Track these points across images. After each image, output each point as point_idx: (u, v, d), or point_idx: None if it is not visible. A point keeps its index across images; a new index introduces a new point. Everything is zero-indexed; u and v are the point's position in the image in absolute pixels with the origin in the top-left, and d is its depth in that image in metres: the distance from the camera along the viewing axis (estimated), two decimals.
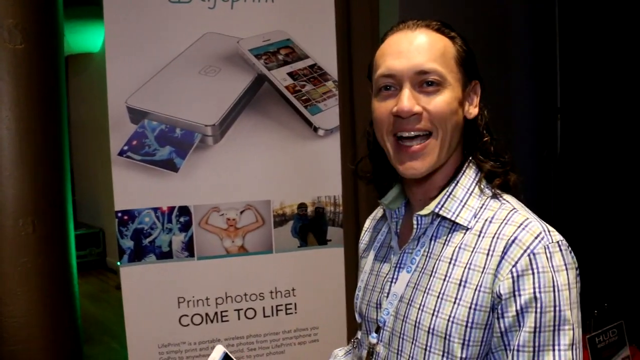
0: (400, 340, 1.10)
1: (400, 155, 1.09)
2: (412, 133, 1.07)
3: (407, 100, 1.06)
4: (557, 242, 1.00)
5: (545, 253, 0.98)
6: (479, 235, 1.05)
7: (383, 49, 1.11)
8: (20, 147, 2.20)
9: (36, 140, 2.26)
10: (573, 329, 0.98)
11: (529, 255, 0.98)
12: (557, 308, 0.97)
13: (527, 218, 1.03)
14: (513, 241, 1.00)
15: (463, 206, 1.10)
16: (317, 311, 2.61)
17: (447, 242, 1.09)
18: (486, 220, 1.06)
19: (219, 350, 1.22)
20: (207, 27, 2.50)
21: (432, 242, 1.11)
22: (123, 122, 2.46)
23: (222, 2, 2.51)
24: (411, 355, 1.08)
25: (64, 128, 2.42)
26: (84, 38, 6.80)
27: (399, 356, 1.11)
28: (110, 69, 2.43)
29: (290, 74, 2.56)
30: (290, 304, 2.57)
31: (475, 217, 1.08)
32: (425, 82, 1.07)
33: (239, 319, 2.55)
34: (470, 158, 1.14)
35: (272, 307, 2.57)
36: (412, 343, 1.08)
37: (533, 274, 0.97)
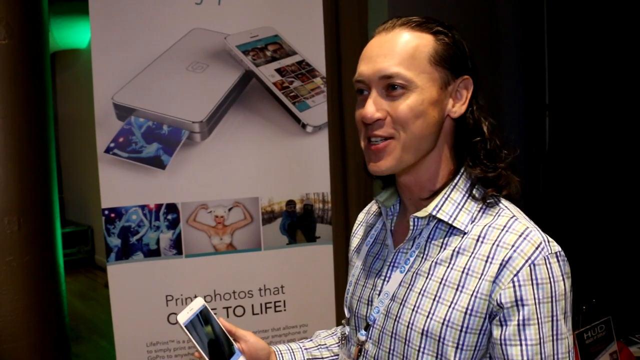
0: (392, 339, 1.10)
1: (368, 155, 1.11)
2: (379, 139, 1.08)
3: (369, 106, 1.07)
4: (556, 252, 1.02)
5: (546, 264, 1.00)
6: (478, 241, 1.05)
7: (362, 53, 1.12)
8: (5, 144, 2.18)
9: (22, 137, 2.23)
10: (568, 337, 1.01)
11: (530, 265, 0.99)
12: (555, 318, 0.99)
13: (528, 227, 1.03)
14: (514, 251, 1.00)
15: (460, 210, 1.09)
16: (306, 308, 2.60)
17: (443, 245, 1.08)
18: (485, 225, 1.06)
19: (198, 302, 1.23)
20: (194, 23, 2.49)
21: (428, 244, 1.11)
22: (109, 118, 2.45)
23: None
24: (404, 355, 1.08)
25: (50, 125, 2.39)
26: (71, 34, 6.75)
27: (390, 356, 1.11)
28: (97, 65, 2.42)
29: (278, 70, 2.54)
30: (279, 301, 2.56)
31: (472, 221, 1.08)
32: (390, 86, 1.06)
33: (227, 316, 2.55)
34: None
35: (261, 304, 2.56)
36: (405, 343, 1.08)
37: (533, 284, 0.98)
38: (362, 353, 1.17)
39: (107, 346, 4.87)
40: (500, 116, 3.17)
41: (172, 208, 2.51)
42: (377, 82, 1.07)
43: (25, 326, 2.26)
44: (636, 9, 2.90)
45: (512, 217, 1.05)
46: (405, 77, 1.05)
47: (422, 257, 1.10)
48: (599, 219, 3.06)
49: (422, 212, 1.09)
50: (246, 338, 1.30)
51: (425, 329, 1.04)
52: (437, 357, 1.04)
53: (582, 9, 3.08)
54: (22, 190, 2.24)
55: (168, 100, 2.47)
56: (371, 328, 1.16)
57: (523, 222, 1.04)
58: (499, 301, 0.99)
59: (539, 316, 0.98)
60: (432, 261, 1.08)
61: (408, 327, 1.07)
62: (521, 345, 0.99)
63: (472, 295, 1.01)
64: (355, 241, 1.34)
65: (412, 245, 1.13)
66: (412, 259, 1.11)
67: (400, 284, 1.12)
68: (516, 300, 0.99)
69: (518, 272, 0.98)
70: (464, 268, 1.03)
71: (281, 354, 1.39)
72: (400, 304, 1.10)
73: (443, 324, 1.03)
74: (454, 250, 1.06)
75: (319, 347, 1.44)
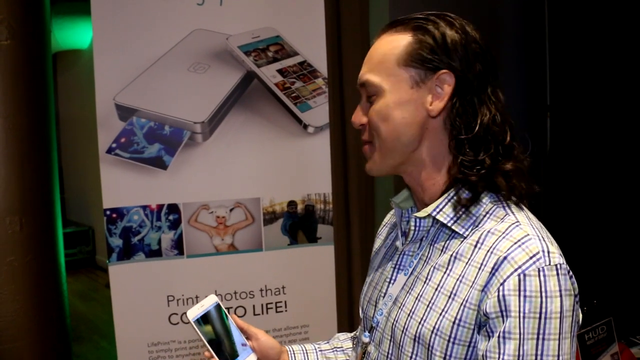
0: (390, 343, 1.09)
1: None
2: (365, 143, 1.12)
3: (355, 113, 1.12)
4: (556, 265, 0.94)
5: (539, 276, 0.92)
6: (475, 246, 1.00)
7: None
8: (7, 144, 2.18)
9: (23, 137, 2.23)
10: None
11: (519, 275, 0.92)
12: (542, 337, 0.91)
13: (527, 234, 0.97)
14: (505, 258, 0.94)
15: (463, 212, 1.04)
16: (308, 309, 2.61)
17: (444, 249, 1.05)
18: (485, 231, 1.01)
19: (211, 299, 1.25)
20: (196, 23, 2.50)
21: (431, 247, 1.08)
22: (111, 119, 2.44)
23: None
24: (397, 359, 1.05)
25: (52, 125, 2.39)
26: (72, 34, 6.75)
27: (388, 359, 1.10)
28: (98, 66, 2.41)
29: (280, 71, 2.54)
30: (281, 302, 2.56)
31: (475, 226, 1.03)
32: (368, 93, 1.09)
33: None
34: None
35: (262, 305, 2.57)
36: (399, 348, 1.06)
37: (519, 296, 0.91)
38: (365, 355, 1.17)
39: (107, 347, 4.87)
40: None
41: (173, 208, 2.51)
42: (361, 90, 1.11)
43: (27, 326, 2.27)
44: (637, 9, 2.87)
45: (514, 223, 0.99)
46: (373, 83, 1.07)
47: (425, 261, 1.08)
48: (601, 219, 3.05)
49: (422, 213, 1.07)
50: (257, 336, 1.32)
51: (417, 335, 1.02)
52: None
53: (584, 9, 3.07)
54: (24, 191, 2.24)
55: (170, 101, 2.46)
56: (374, 330, 1.15)
57: (525, 228, 0.98)
58: (484, 310, 0.94)
59: (521, 331, 0.90)
60: (432, 265, 1.06)
61: (402, 331, 1.06)
62: (499, 359, 0.92)
63: (461, 304, 0.97)
64: (377, 242, 1.33)
65: (418, 248, 1.11)
66: (415, 262, 1.10)
67: (402, 287, 1.11)
68: (501, 311, 0.93)
69: (505, 280, 0.92)
70: (459, 275, 1.00)
71: (294, 354, 1.38)
72: (399, 307, 1.09)
73: (432, 332, 1.00)
74: (451, 256, 1.03)
75: (334, 349, 1.42)
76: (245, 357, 1.24)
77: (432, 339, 1.00)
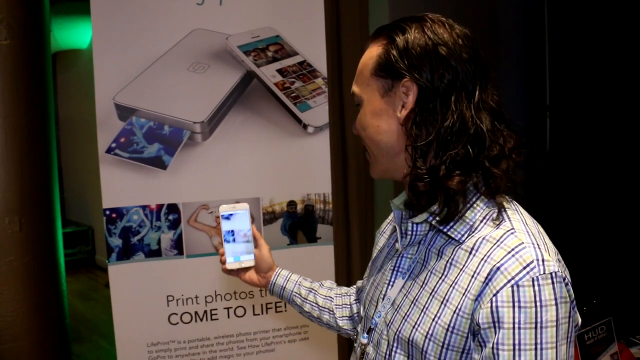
0: (387, 345, 1.10)
1: None
2: None
3: (354, 123, 1.19)
4: (551, 274, 0.93)
5: (533, 286, 0.92)
6: (470, 253, 1.00)
7: None
8: (6, 144, 2.18)
9: (23, 137, 2.24)
10: None
11: (512, 286, 0.92)
12: (539, 346, 0.91)
13: (522, 243, 0.96)
14: (498, 268, 0.94)
15: (460, 218, 1.04)
16: None
17: (440, 254, 1.06)
18: (480, 237, 1.01)
19: (244, 206, 1.56)
20: (195, 23, 2.50)
21: (428, 251, 1.09)
22: (111, 119, 2.43)
23: None
24: None
25: (51, 125, 2.38)
26: (72, 34, 6.75)
27: None
28: (98, 65, 2.40)
29: (280, 71, 2.54)
30: (280, 302, 2.56)
31: (471, 231, 1.03)
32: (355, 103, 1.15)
33: (228, 317, 2.55)
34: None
35: (261, 305, 2.57)
36: (395, 351, 1.08)
37: (513, 307, 0.91)
38: (364, 356, 1.19)
39: (107, 346, 4.86)
40: None
41: (173, 208, 2.51)
42: None
43: (27, 326, 2.27)
44: (637, 9, 2.87)
45: (509, 230, 0.99)
46: (355, 94, 1.14)
47: (422, 265, 1.09)
48: (600, 220, 3.06)
49: (418, 218, 1.08)
50: (261, 249, 1.58)
51: (411, 338, 1.04)
52: None
53: (584, 9, 3.07)
54: (23, 191, 2.24)
55: (169, 101, 2.46)
56: (373, 332, 1.17)
57: (520, 236, 0.97)
58: (477, 321, 0.95)
59: (515, 342, 0.90)
60: (429, 270, 1.07)
61: (397, 334, 1.07)
62: None
63: (454, 312, 0.98)
64: (381, 240, 1.35)
65: (416, 251, 1.12)
66: (413, 265, 1.11)
67: (400, 290, 1.12)
68: (493, 322, 0.93)
69: (498, 291, 0.92)
70: (453, 282, 1.00)
71: (278, 274, 1.61)
72: (396, 310, 1.10)
73: (426, 337, 1.01)
74: (447, 261, 1.03)
75: (310, 290, 1.58)
76: (246, 259, 1.55)
77: (425, 344, 1.01)
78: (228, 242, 1.52)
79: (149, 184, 2.47)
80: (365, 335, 1.18)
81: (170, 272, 2.51)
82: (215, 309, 2.55)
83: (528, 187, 3.14)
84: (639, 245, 2.97)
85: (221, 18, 2.49)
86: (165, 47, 2.47)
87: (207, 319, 2.53)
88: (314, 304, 1.55)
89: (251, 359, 2.57)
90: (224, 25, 2.50)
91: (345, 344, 2.68)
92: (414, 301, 1.06)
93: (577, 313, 0.99)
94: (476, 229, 1.02)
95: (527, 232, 0.99)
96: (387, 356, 1.10)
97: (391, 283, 1.15)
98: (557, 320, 0.91)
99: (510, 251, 0.95)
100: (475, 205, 1.04)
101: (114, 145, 2.45)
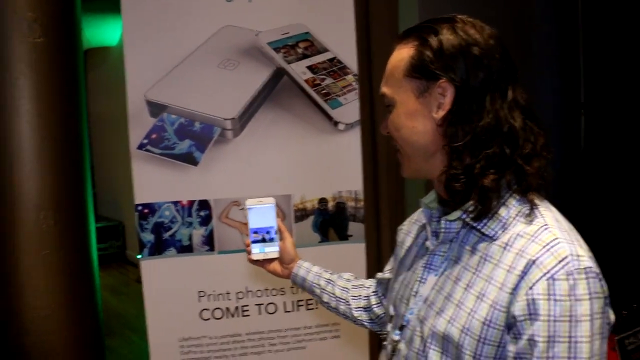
0: (421, 341, 1.11)
1: None
2: None
3: (382, 124, 1.20)
4: (585, 268, 0.95)
5: (568, 280, 0.93)
6: (504, 248, 1.01)
7: None
8: (40, 141, 2.22)
9: (56, 134, 2.28)
10: None
11: (548, 279, 0.94)
12: (573, 339, 0.92)
13: (556, 238, 0.98)
14: (534, 262, 0.96)
15: (493, 215, 1.05)
16: None
17: (474, 251, 1.07)
18: (514, 233, 1.02)
19: (270, 200, 1.61)
20: (225, 20, 2.51)
21: (461, 248, 1.10)
22: (142, 115, 2.44)
23: None
24: (427, 358, 1.09)
25: (84, 122, 2.42)
26: (101, 32, 6.82)
27: (419, 357, 1.12)
28: (129, 63, 2.42)
29: (310, 68, 2.53)
30: (311, 299, 2.54)
31: (504, 228, 1.04)
32: (385, 104, 1.15)
33: (259, 313, 2.55)
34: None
35: (292, 302, 2.56)
36: (430, 347, 1.09)
37: (549, 300, 0.93)
38: (396, 352, 1.19)
39: (138, 341, 4.91)
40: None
41: (204, 204, 2.51)
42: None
43: (61, 319, 2.32)
44: None
45: (543, 226, 1.01)
46: (387, 95, 1.14)
47: (455, 261, 1.10)
48: (637, 219, 2.97)
49: (452, 216, 1.09)
50: (285, 241, 1.63)
51: (446, 333, 1.05)
52: None
53: (618, 5, 3.00)
54: (57, 186, 2.28)
55: (200, 97, 2.46)
56: (405, 328, 1.17)
57: (554, 231, 0.99)
58: (513, 313, 0.96)
59: (550, 334, 0.92)
60: (462, 266, 1.07)
61: (432, 329, 1.08)
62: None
63: (491, 305, 0.99)
64: (408, 240, 1.34)
65: (448, 248, 1.12)
66: (445, 262, 1.12)
67: (433, 287, 1.13)
68: (530, 314, 0.94)
69: (534, 284, 0.94)
70: (488, 276, 1.02)
71: (300, 265, 1.65)
72: (430, 306, 1.11)
73: (462, 331, 1.02)
74: (481, 257, 1.05)
75: (329, 281, 1.62)
76: (271, 250, 1.61)
77: (461, 338, 1.02)
78: (254, 239, 1.59)
79: (180, 180, 2.47)
80: (398, 332, 1.19)
81: (201, 268, 2.51)
82: (247, 305, 2.55)
83: (563, 186, 3.09)
84: None
85: (251, 15, 2.49)
86: (195, 43, 2.47)
87: (238, 315, 2.54)
88: (331, 295, 1.58)
89: (282, 355, 2.56)
90: (253, 22, 2.51)
91: (377, 342, 2.66)
92: (448, 296, 1.07)
93: (611, 310, 0.99)
94: (509, 225, 1.03)
95: (560, 228, 1.00)
96: (420, 352, 1.10)
97: (423, 280, 1.16)
98: (591, 314, 0.93)
99: (545, 246, 0.96)
100: (508, 202, 1.05)
101: (145, 141, 2.46)
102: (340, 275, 1.62)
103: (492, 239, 1.04)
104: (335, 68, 2.60)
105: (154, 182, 2.46)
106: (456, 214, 1.07)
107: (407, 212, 2.90)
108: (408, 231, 1.35)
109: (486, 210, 1.03)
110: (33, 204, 2.22)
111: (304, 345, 2.57)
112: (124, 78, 2.41)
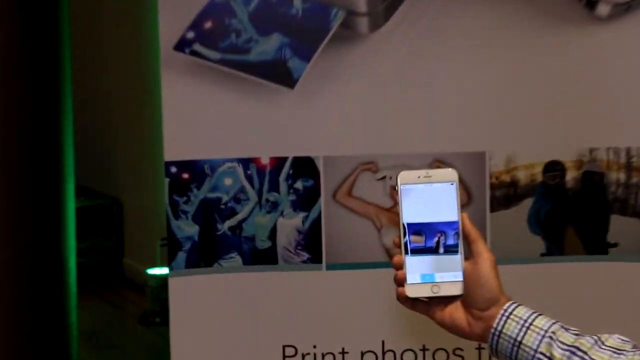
0: None
1: None
2: None
3: None
4: None
5: None
6: None
7: None
8: None
9: None
10: None
11: None
12: None
13: None
14: None
15: None
16: None
17: None
18: None
19: (445, 173, 0.97)
20: None
21: None
22: None
23: None
24: None
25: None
26: None
27: None
28: None
29: None
30: None
31: None
32: None
33: None
34: None
35: None
36: None
37: None
38: None
39: None
40: None
41: (305, 167, 1.94)
42: None
43: None
44: None
45: None
46: None
47: None
48: None
49: None
50: (479, 260, 0.95)
51: None
52: None
53: None
54: None
55: None
56: None
57: None
58: None
59: None
60: None
61: None
62: None
63: None
64: None
65: None
66: None
67: None
68: None
69: None
70: None
71: (509, 315, 0.94)
72: None
73: None
74: None
75: (575, 350, 1.02)
76: (447, 280, 0.93)
77: None
78: (412, 244, 1.01)
79: (256, 117, 1.98)
80: None
81: (293, 298, 2.04)
82: None
83: None
84: None
85: None
86: None
87: None
88: None
89: None
90: None
91: None
92: None
93: None
94: None
95: None
96: None
97: None
98: None
99: None
100: None
101: (190, 35, 1.84)
102: (601, 341, 1.03)
103: None
104: None
105: (202, 121, 1.98)
106: None
107: None
108: None
109: None
110: None
111: None
112: None
